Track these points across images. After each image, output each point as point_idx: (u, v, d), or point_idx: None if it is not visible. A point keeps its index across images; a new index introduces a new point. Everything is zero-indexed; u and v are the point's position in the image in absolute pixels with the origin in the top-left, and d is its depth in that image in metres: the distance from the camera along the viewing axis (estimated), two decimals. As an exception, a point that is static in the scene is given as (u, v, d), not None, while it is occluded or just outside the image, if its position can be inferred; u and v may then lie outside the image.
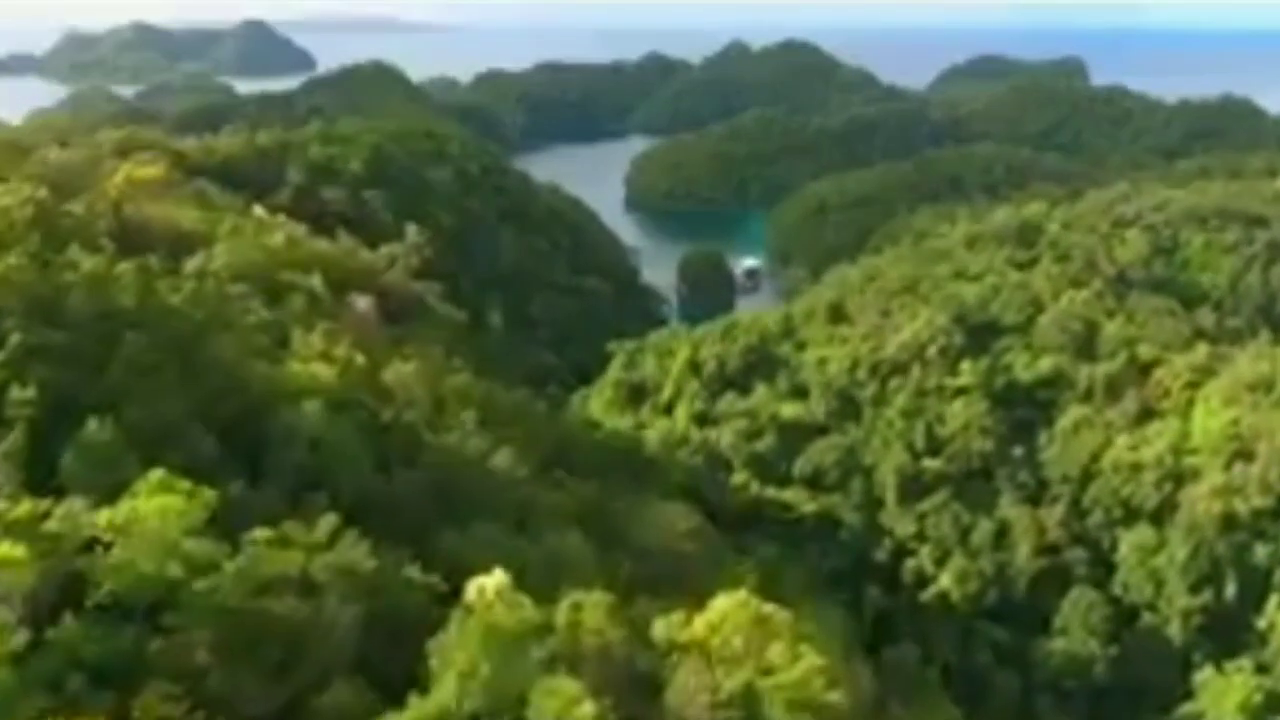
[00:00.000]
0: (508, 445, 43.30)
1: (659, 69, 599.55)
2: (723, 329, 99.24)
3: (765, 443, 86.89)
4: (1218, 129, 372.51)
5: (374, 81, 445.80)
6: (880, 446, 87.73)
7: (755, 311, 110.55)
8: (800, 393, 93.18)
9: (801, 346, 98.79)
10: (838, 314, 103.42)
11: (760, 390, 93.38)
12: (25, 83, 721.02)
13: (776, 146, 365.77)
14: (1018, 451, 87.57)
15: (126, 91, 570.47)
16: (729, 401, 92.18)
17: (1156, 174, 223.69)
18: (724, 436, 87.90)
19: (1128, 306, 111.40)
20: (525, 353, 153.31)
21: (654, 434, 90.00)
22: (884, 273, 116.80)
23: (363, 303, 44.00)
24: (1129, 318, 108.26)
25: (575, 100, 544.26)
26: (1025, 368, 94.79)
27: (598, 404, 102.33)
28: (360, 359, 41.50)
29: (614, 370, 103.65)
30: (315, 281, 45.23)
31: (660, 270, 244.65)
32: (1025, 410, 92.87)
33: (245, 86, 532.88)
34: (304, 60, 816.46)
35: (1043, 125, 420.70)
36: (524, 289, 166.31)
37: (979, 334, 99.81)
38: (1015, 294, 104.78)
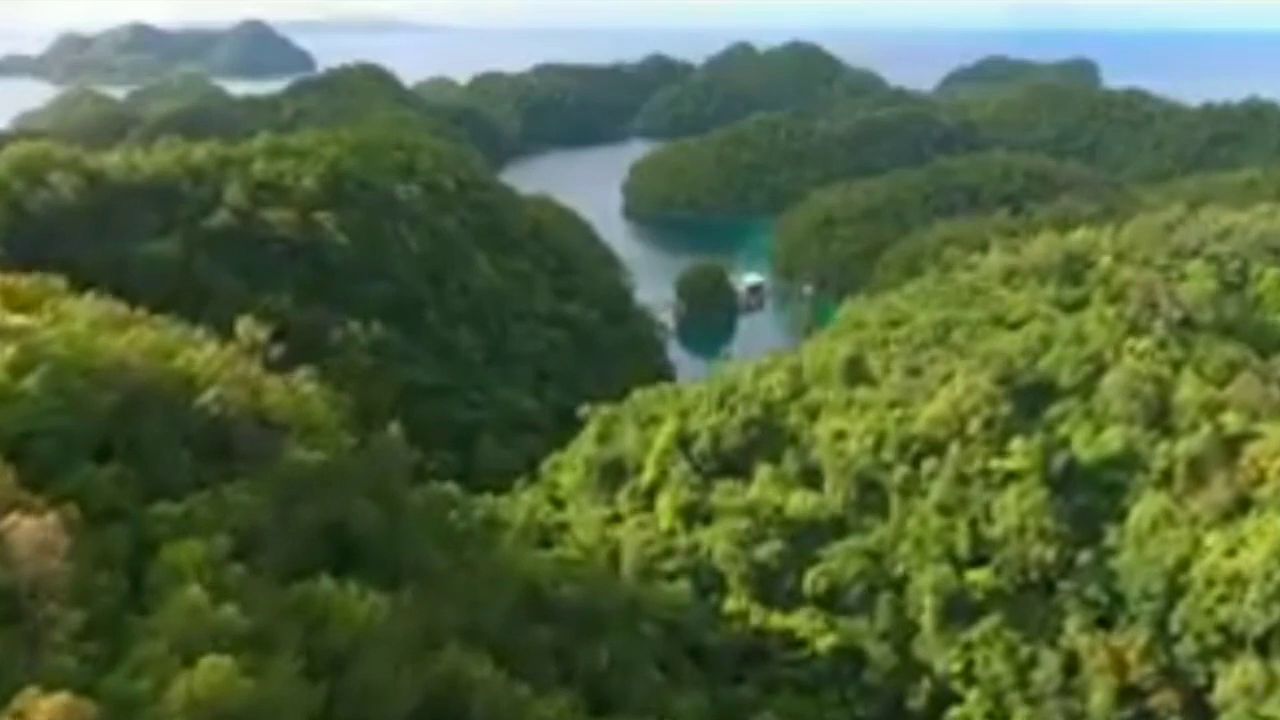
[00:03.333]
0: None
1: (660, 70, 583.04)
2: (719, 394, 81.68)
3: (768, 549, 69.29)
4: (1243, 134, 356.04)
5: (363, 84, 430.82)
6: (913, 551, 70.25)
7: (757, 364, 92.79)
8: (812, 476, 75.69)
9: (813, 414, 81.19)
10: (856, 371, 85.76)
11: (763, 473, 75.83)
12: (20, 84, 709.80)
13: (780, 152, 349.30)
14: (1085, 558, 70.03)
15: (118, 93, 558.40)
16: (724, 492, 74.61)
17: (1196, 186, 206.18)
18: (717, 545, 70.36)
19: (1196, 356, 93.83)
20: (499, 395, 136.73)
21: (630, 536, 72.59)
22: (909, 316, 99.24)
23: (28, 529, 25.82)
24: (1198, 370, 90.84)
25: (574, 103, 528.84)
26: (1087, 444, 77.19)
27: (569, 480, 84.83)
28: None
29: (586, 443, 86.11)
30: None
31: (658, 284, 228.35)
32: (1088, 497, 75.41)
33: (243, 88, 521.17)
34: (303, 61, 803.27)
35: (1057, 130, 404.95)
36: (500, 320, 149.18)
37: (1028, 398, 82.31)
38: (1069, 347, 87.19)
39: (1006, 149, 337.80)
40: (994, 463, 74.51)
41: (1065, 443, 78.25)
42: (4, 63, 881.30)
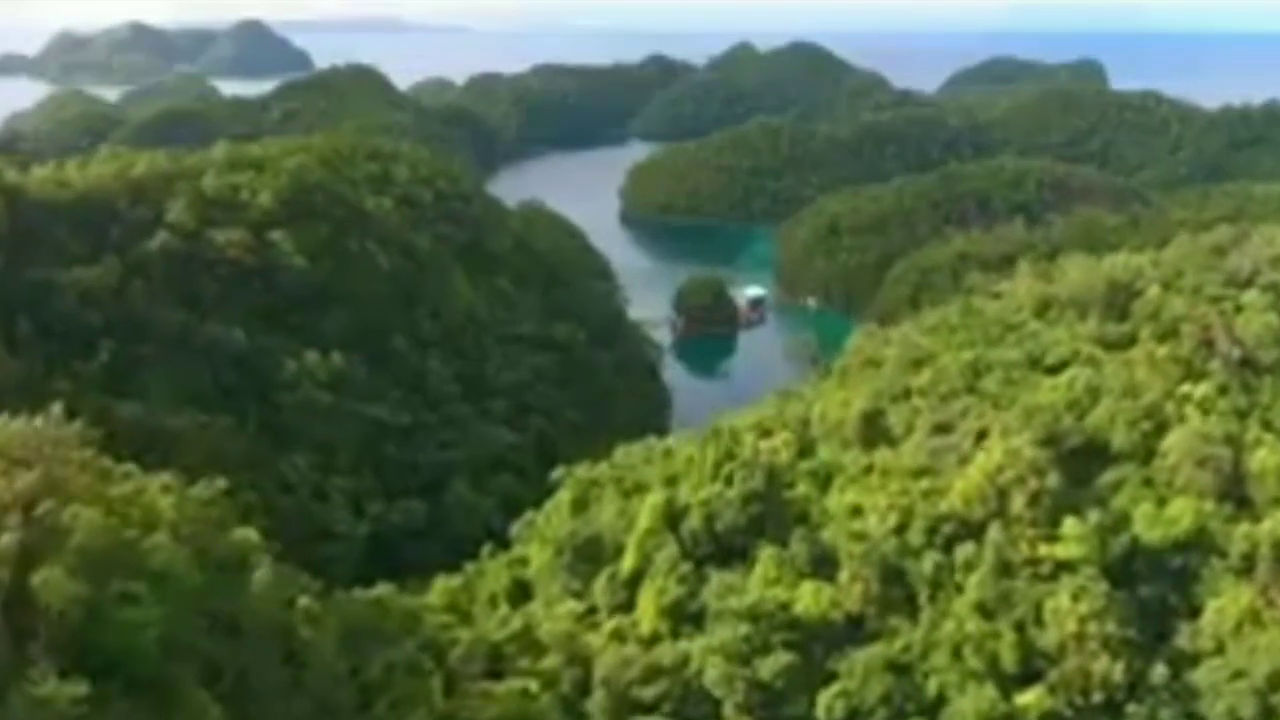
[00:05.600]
0: None
1: (661, 71, 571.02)
2: (714, 461, 69.40)
3: (773, 664, 56.90)
4: (1264, 138, 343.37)
5: (354, 85, 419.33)
6: (948, 664, 58.13)
7: (759, 418, 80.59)
8: (824, 564, 63.56)
9: (825, 483, 69.08)
10: (873, 429, 73.56)
11: (766, 559, 63.56)
12: (15, 84, 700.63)
13: (783, 157, 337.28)
14: (1158, 671, 57.79)
15: (112, 94, 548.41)
16: (720, 589, 62.17)
17: (1228, 198, 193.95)
18: (710, 661, 57.94)
19: (1262, 404, 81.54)
20: (474, 431, 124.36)
21: (603, 653, 60.07)
22: (931, 356, 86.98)
23: None
24: (1266, 422, 78.63)
25: (573, 104, 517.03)
26: (1151, 522, 65.08)
27: (539, 559, 72.55)
28: None
29: (560, 516, 73.78)
30: None
31: (654, 296, 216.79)
32: (1155, 588, 63.20)
33: (239, 88, 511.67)
34: (302, 61, 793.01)
35: (1068, 133, 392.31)
36: (479, 345, 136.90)
37: (1078, 464, 70.04)
38: (1122, 400, 74.93)
39: (1016, 152, 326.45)
40: (1043, 549, 62.18)
41: (1125, 520, 65.95)
42: (2, 62, 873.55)
